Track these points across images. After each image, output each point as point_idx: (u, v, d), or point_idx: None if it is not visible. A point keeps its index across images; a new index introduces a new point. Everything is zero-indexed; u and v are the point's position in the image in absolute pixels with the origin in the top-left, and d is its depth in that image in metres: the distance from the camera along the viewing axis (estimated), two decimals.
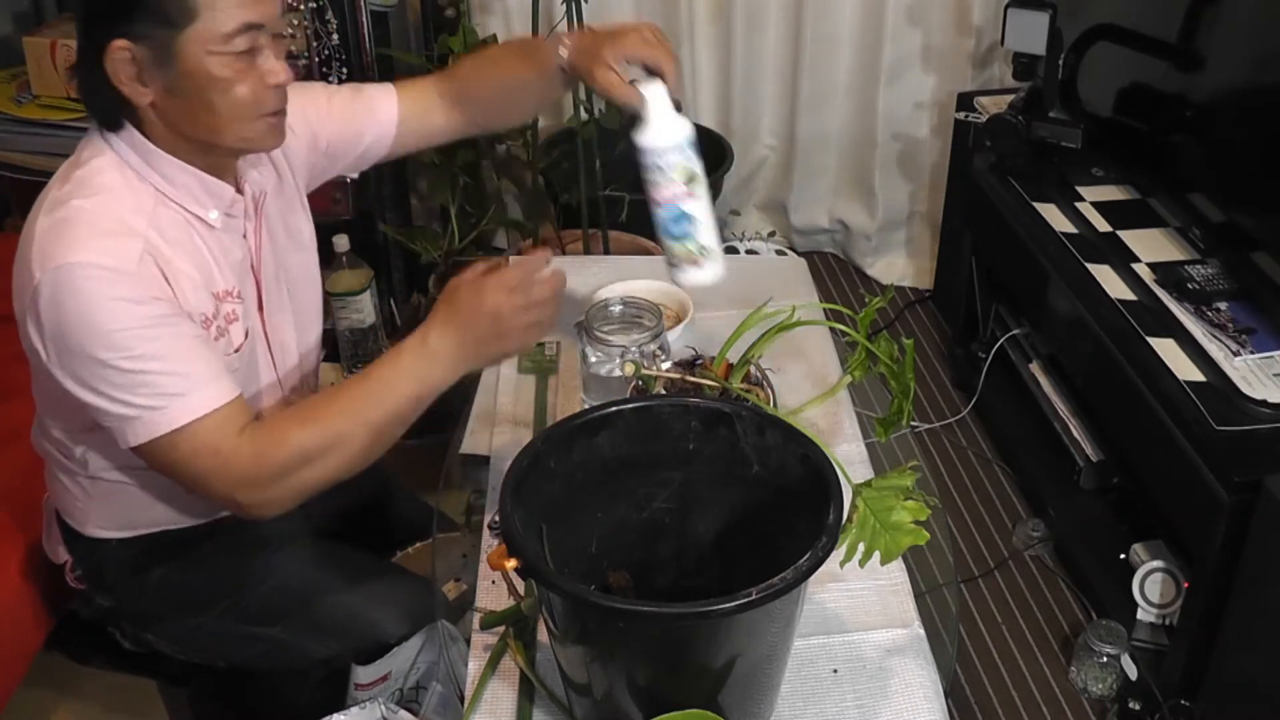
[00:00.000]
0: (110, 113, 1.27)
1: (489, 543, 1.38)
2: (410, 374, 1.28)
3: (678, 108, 1.34)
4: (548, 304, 1.29)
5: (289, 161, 1.49)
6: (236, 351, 1.37)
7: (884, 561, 1.05)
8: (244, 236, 1.41)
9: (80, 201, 1.24)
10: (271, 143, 1.34)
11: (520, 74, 1.51)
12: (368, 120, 1.54)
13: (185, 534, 1.49)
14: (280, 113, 1.32)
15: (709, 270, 1.37)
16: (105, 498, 1.44)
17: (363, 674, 1.50)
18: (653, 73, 1.35)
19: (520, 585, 1.21)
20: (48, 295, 1.20)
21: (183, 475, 1.28)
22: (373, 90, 1.56)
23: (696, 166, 1.33)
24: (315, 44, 2.51)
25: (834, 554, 1.01)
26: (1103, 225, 2.26)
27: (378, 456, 1.32)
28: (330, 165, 1.56)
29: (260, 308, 1.44)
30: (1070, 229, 2.26)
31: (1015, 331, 2.56)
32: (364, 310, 2.67)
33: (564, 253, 2.68)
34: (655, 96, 1.32)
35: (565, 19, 2.49)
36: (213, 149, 1.31)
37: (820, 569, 0.97)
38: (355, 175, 1.63)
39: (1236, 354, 1.85)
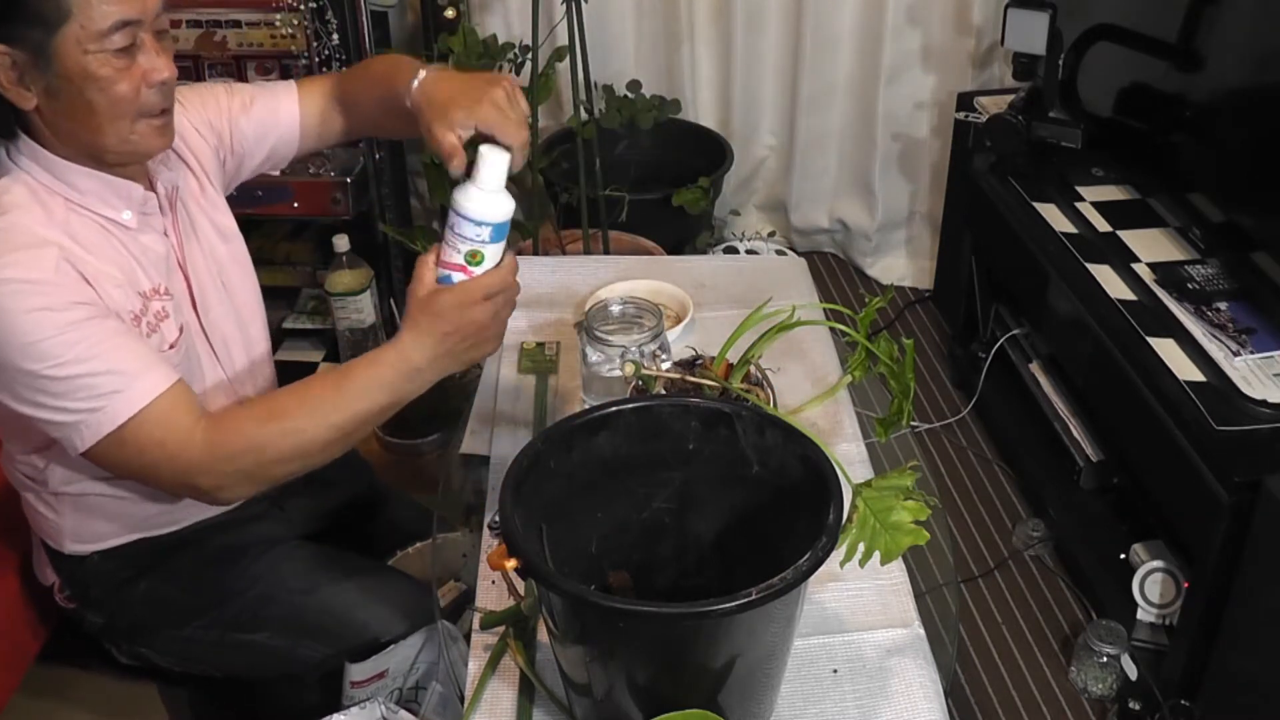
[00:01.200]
0: (1, 121, 1.26)
1: (489, 543, 1.38)
2: (387, 385, 1.25)
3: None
4: (514, 299, 1.26)
5: (200, 162, 1.47)
6: (171, 348, 1.36)
7: (884, 561, 1.05)
8: (164, 234, 1.40)
9: None
10: (158, 144, 1.32)
11: (384, 99, 1.40)
12: (270, 121, 1.52)
13: (164, 543, 1.49)
14: (166, 112, 1.30)
15: None
16: (73, 512, 1.44)
17: (356, 671, 1.50)
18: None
19: (520, 585, 1.21)
20: None
21: (135, 470, 1.28)
22: (276, 90, 1.53)
23: (488, 251, 1.22)
24: (315, 44, 2.52)
25: (834, 554, 1.01)
26: (1103, 225, 2.26)
27: (339, 455, 1.30)
28: (240, 166, 1.54)
29: (194, 304, 1.44)
30: (1070, 229, 2.26)
31: (1015, 331, 2.56)
32: (364, 310, 2.67)
33: (564, 253, 2.68)
34: (490, 165, 1.20)
35: (565, 19, 2.50)
36: (100, 153, 1.28)
37: (820, 569, 0.97)
38: (276, 172, 1.60)
39: (1236, 354, 1.85)
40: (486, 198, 1.21)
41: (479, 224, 1.21)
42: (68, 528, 1.46)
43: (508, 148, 1.21)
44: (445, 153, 1.23)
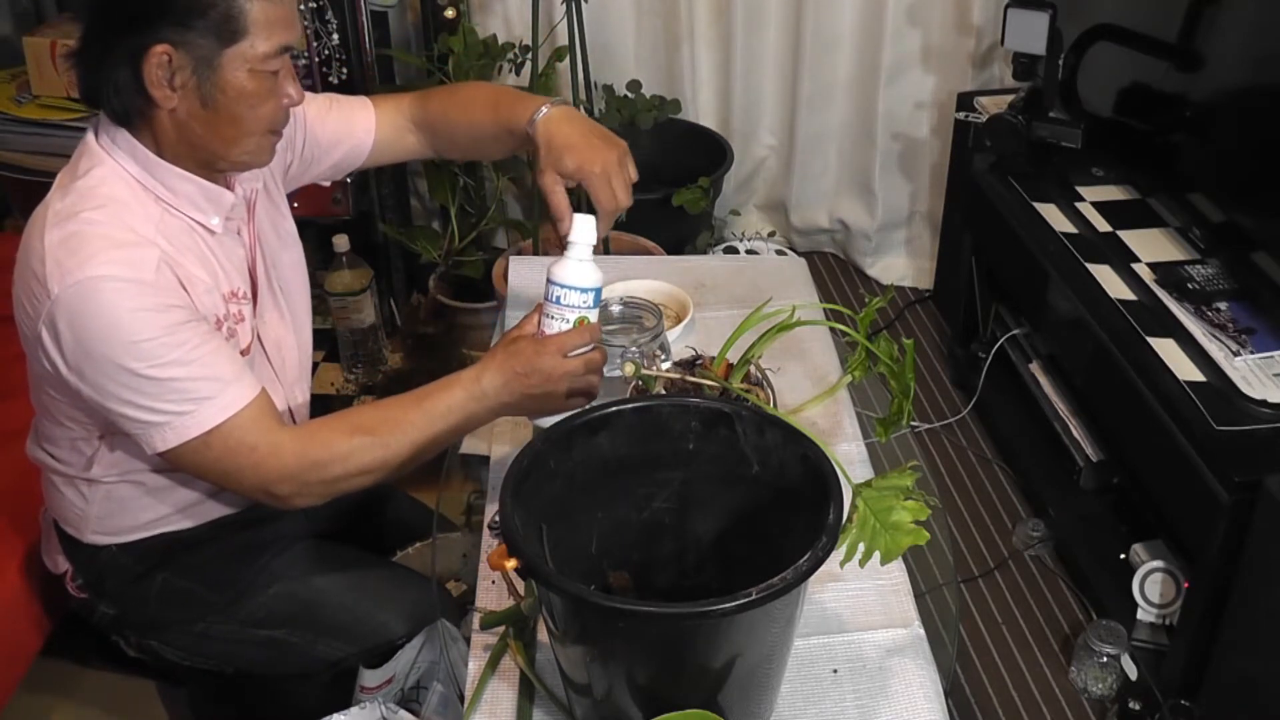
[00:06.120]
0: (127, 112, 1.27)
1: (489, 543, 1.38)
2: (459, 408, 1.31)
3: (603, 248, 1.33)
4: (594, 377, 1.32)
5: (269, 166, 1.49)
6: (244, 353, 1.38)
7: (884, 561, 1.05)
8: (237, 233, 1.42)
9: (90, 213, 1.24)
10: (267, 160, 1.38)
11: (486, 124, 1.52)
12: (344, 131, 1.56)
13: (185, 538, 1.49)
14: (280, 133, 1.35)
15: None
16: (105, 502, 1.44)
17: (369, 677, 1.50)
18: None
19: (520, 585, 1.21)
20: (67, 310, 1.20)
21: (213, 472, 1.30)
22: (351, 103, 1.58)
23: (561, 314, 1.32)
24: (315, 44, 2.52)
25: (834, 554, 1.01)
26: (1103, 225, 2.26)
27: (406, 473, 1.35)
28: (304, 171, 1.57)
29: (255, 308, 1.45)
30: (1070, 229, 2.26)
31: (1015, 331, 2.56)
32: (364, 310, 2.67)
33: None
34: (580, 235, 1.31)
35: (565, 19, 2.50)
36: (215, 160, 1.32)
37: (820, 569, 0.97)
38: (327, 183, 1.64)
39: (1236, 354, 1.85)
40: (580, 269, 1.31)
41: (560, 286, 1.31)
42: (94, 516, 1.46)
43: (593, 212, 1.34)
44: (555, 210, 1.38)
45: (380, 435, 1.30)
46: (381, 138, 1.58)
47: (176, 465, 1.31)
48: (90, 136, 1.31)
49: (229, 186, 1.39)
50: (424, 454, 1.33)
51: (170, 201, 1.31)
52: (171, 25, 1.21)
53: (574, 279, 1.31)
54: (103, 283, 1.19)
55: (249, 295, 1.41)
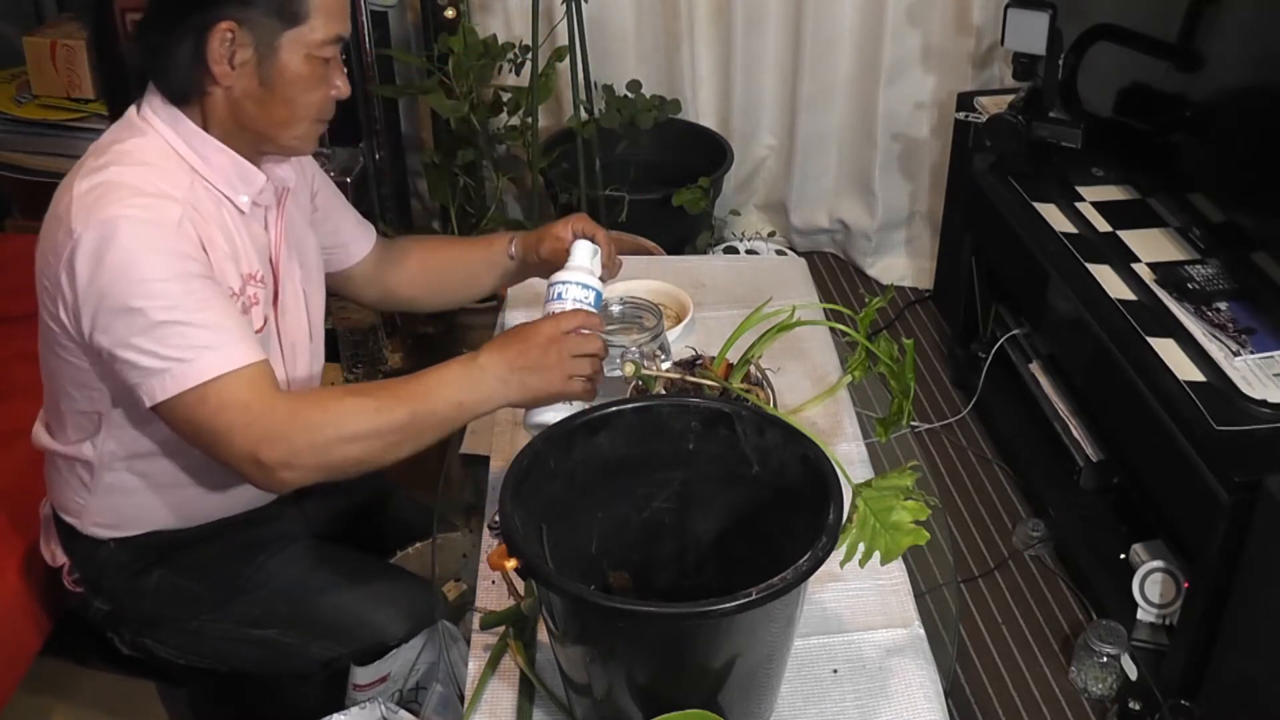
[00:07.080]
0: (184, 89, 1.30)
1: (489, 543, 1.38)
2: (455, 382, 1.30)
3: (602, 278, 1.47)
4: (593, 359, 1.33)
5: (306, 178, 1.53)
6: (257, 333, 1.38)
7: (884, 561, 1.06)
8: (265, 228, 1.43)
9: (120, 169, 1.27)
10: (308, 149, 1.41)
11: (470, 250, 1.68)
12: (337, 234, 1.61)
13: (183, 536, 1.50)
14: (326, 122, 1.39)
15: (564, 410, 1.36)
16: (108, 493, 1.44)
17: (361, 675, 1.50)
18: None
19: (520, 585, 1.21)
20: (88, 247, 1.22)
21: (207, 430, 1.26)
22: (361, 222, 1.66)
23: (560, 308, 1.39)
24: None
25: (834, 554, 1.01)
26: (1103, 225, 2.26)
27: (405, 456, 1.31)
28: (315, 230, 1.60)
29: (275, 302, 1.45)
30: (1070, 229, 2.26)
31: (1015, 331, 2.56)
32: (364, 310, 2.67)
33: None
34: (581, 249, 1.45)
35: (565, 19, 2.50)
36: (263, 142, 1.35)
37: (820, 569, 0.97)
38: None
39: (1236, 354, 1.85)
40: (569, 271, 1.42)
41: (561, 284, 1.40)
42: (95, 509, 1.46)
43: (593, 240, 1.50)
44: (552, 254, 1.53)
45: (377, 399, 1.27)
46: (364, 266, 1.65)
47: (170, 423, 1.28)
48: (132, 110, 1.34)
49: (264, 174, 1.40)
50: (420, 433, 1.29)
51: (203, 172, 1.33)
52: (241, 3, 1.25)
53: (575, 277, 1.38)
54: (123, 221, 1.22)
55: (266, 282, 1.42)
